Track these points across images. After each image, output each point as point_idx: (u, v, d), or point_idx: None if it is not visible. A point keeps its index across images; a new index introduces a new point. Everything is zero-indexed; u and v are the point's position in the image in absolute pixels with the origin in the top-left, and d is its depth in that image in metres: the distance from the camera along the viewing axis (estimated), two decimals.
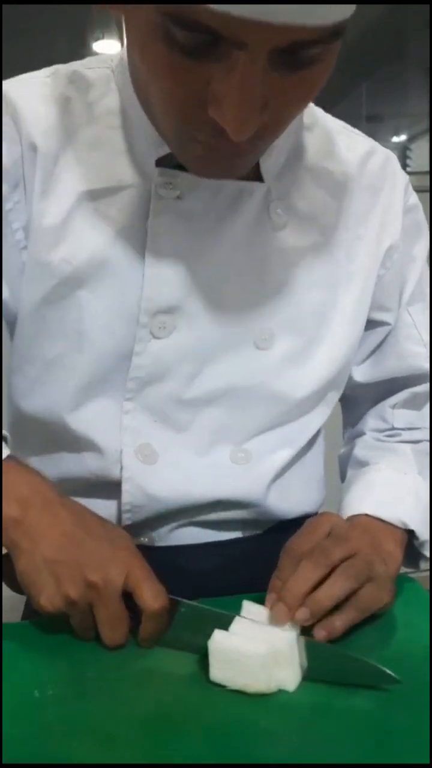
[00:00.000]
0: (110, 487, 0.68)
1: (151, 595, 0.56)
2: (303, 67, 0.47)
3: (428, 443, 0.78)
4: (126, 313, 0.64)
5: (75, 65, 0.65)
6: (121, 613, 0.56)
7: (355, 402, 0.83)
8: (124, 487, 0.67)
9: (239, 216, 0.64)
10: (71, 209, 0.62)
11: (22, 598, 0.71)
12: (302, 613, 0.54)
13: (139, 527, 0.70)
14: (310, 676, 0.53)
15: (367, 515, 0.67)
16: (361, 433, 0.82)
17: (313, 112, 0.71)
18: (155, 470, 0.67)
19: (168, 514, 0.69)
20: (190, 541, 0.71)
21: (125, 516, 0.68)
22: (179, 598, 0.58)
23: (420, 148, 2.39)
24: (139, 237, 0.62)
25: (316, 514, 0.76)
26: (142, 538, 0.70)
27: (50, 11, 1.95)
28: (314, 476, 0.79)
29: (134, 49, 0.51)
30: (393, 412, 0.79)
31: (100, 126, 0.63)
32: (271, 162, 0.64)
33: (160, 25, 0.45)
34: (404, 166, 2.45)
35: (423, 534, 0.68)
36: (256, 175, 0.64)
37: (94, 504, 0.64)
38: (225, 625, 0.54)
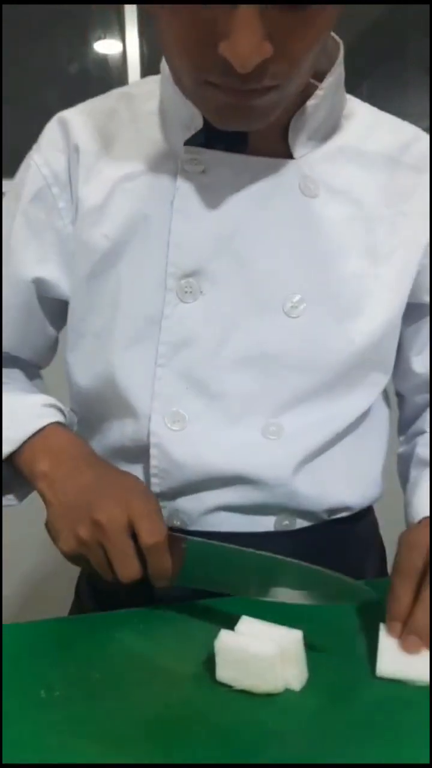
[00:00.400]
0: (143, 453, 0.71)
1: (146, 531, 0.59)
2: (299, 9, 0.51)
3: None
4: (156, 279, 0.67)
5: (126, 88, 0.75)
6: (129, 549, 0.59)
7: (414, 397, 0.82)
8: (152, 451, 0.69)
9: (266, 185, 0.66)
10: (109, 191, 0.69)
11: (22, 599, 0.72)
12: (413, 643, 0.56)
13: (168, 504, 0.71)
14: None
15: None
16: (422, 431, 0.80)
17: (354, 104, 0.72)
18: (182, 437, 0.68)
19: (194, 487, 0.70)
20: (221, 528, 0.71)
21: (153, 481, 0.70)
22: (182, 535, 0.61)
23: None
24: (168, 209, 0.67)
25: (359, 510, 0.76)
26: (174, 521, 0.72)
27: (50, 11, 1.95)
28: (359, 468, 0.77)
29: (153, 12, 0.56)
30: None
31: (140, 125, 0.70)
32: (300, 138, 0.66)
33: None
34: None
35: None
36: (287, 154, 0.67)
37: (128, 469, 0.70)
38: (232, 558, 0.59)
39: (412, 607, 0.57)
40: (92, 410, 0.76)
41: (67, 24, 2.09)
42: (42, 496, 0.65)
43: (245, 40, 0.50)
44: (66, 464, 0.66)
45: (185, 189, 0.66)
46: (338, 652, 0.57)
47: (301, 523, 0.73)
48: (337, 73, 0.66)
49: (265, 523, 0.72)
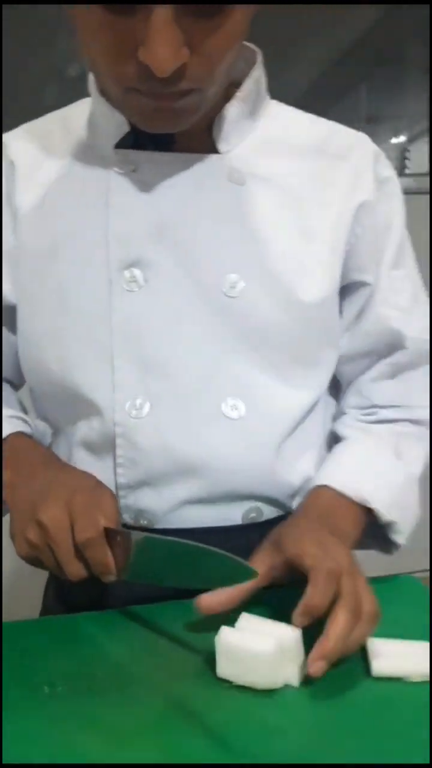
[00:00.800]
0: (111, 445, 0.72)
1: (79, 527, 0.59)
2: (212, 16, 0.55)
3: (410, 423, 0.79)
4: (99, 275, 0.70)
5: (63, 109, 0.79)
6: (71, 548, 0.59)
7: (341, 379, 0.83)
8: (117, 441, 0.71)
9: (195, 176, 0.69)
10: (45, 193, 0.73)
11: (18, 598, 0.73)
12: (320, 667, 0.53)
13: (135, 495, 0.72)
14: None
15: (328, 487, 0.70)
16: (342, 412, 0.83)
17: (278, 108, 0.76)
18: (146, 423, 0.70)
19: (160, 475, 0.71)
20: (188, 524, 0.72)
21: (119, 471, 0.71)
22: (126, 530, 0.60)
23: (419, 150, 2.39)
24: (104, 208, 0.70)
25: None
26: (141, 521, 0.72)
27: (51, 11, 1.95)
28: (315, 452, 0.78)
29: (76, 26, 0.60)
30: (372, 386, 0.80)
31: (72, 138, 0.74)
32: (223, 134, 0.70)
33: None
34: (403, 167, 2.47)
35: (387, 513, 0.70)
36: (213, 150, 0.70)
37: (98, 463, 0.73)
38: (183, 559, 0.58)
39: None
40: (56, 411, 0.78)
41: (67, 24, 2.10)
42: (7, 506, 0.67)
43: (162, 45, 0.54)
44: (24, 470, 0.68)
45: (118, 185, 0.69)
46: None
47: (268, 514, 0.74)
48: (255, 77, 0.71)
49: (233, 516, 0.73)
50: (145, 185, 0.69)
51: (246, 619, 0.56)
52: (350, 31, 2.35)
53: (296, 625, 0.55)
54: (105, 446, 0.72)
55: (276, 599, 0.61)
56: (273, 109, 0.76)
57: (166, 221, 0.69)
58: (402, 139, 2.46)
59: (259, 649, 0.52)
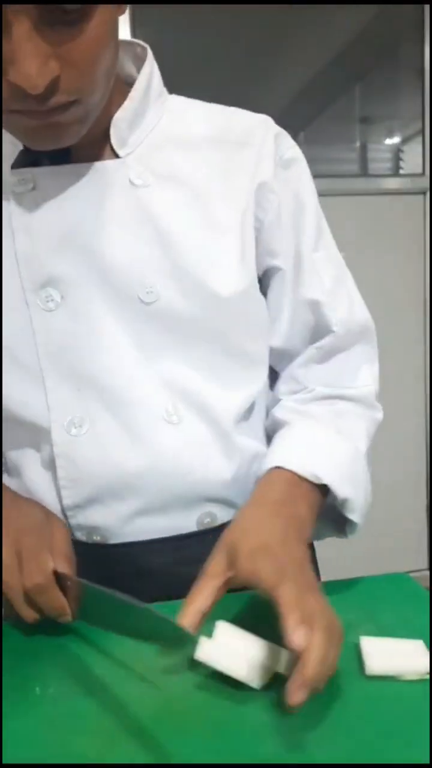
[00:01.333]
0: (53, 466, 0.71)
1: (27, 573, 0.59)
2: (74, 25, 0.54)
3: (342, 400, 0.78)
4: (15, 298, 0.69)
5: None
6: (20, 587, 0.60)
7: (275, 367, 0.83)
8: (58, 462, 0.70)
9: (96, 185, 0.68)
10: None
11: None
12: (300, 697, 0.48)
13: (84, 513, 0.71)
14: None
15: (279, 468, 0.67)
16: (277, 400, 0.81)
17: (176, 102, 0.76)
18: (86, 441, 0.69)
19: (108, 493, 0.70)
20: (142, 536, 0.71)
21: (63, 494, 0.70)
22: (68, 576, 0.59)
23: (412, 150, 2.40)
24: (10, 233, 0.68)
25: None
26: (94, 536, 0.72)
27: None
28: (257, 444, 0.78)
29: None
30: (303, 370, 0.79)
31: None
32: (121, 138, 0.69)
33: None
34: (397, 168, 2.47)
35: (340, 490, 0.68)
36: (113, 155, 0.70)
37: (42, 485, 0.72)
38: (113, 605, 0.54)
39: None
40: (6, 434, 0.76)
41: None
42: None
43: (27, 62, 0.53)
44: None
45: (20, 207, 0.68)
46: None
47: (223, 518, 0.74)
48: (146, 74, 0.70)
49: (187, 524, 0.73)
50: (46, 200, 0.68)
51: (222, 631, 0.55)
52: (344, 32, 2.35)
53: (293, 703, 0.47)
54: (47, 467, 0.72)
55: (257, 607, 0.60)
56: (172, 104, 0.75)
57: (72, 234, 0.68)
58: (396, 139, 2.46)
59: (232, 671, 0.52)
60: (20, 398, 0.70)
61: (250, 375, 0.76)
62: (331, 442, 0.72)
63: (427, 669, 0.54)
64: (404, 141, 2.43)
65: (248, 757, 0.46)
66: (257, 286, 0.76)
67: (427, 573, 2.42)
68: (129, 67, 0.73)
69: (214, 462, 0.72)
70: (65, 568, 0.61)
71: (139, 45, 0.72)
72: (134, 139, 0.71)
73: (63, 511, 0.71)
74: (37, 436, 0.71)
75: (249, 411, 0.77)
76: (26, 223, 0.68)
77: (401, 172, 2.44)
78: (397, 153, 2.48)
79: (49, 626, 0.62)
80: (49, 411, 0.69)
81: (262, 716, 0.50)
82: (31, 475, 0.73)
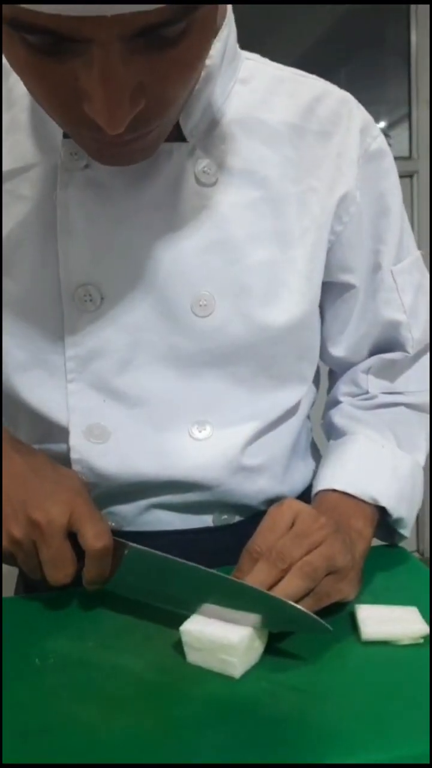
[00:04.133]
0: (67, 464, 0.67)
1: (93, 534, 0.56)
2: (169, 47, 0.45)
3: (407, 409, 0.75)
4: (49, 292, 0.62)
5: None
6: (65, 552, 0.57)
7: (334, 368, 0.81)
8: (74, 467, 0.66)
9: (157, 177, 0.61)
10: None
11: (7, 573, 0.72)
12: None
13: (101, 509, 0.68)
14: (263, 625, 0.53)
15: (335, 490, 0.65)
16: (337, 401, 0.78)
17: (252, 65, 0.66)
18: (106, 449, 0.65)
19: (125, 494, 0.68)
20: (157, 526, 0.69)
21: None
22: (124, 541, 0.58)
23: (399, 135, 2.41)
24: (51, 212, 0.61)
25: (298, 497, 0.75)
26: (109, 522, 0.69)
27: None
28: (294, 457, 0.75)
29: (4, 55, 0.49)
30: (366, 377, 0.75)
31: (15, 109, 0.63)
32: (193, 122, 0.61)
33: (13, 31, 0.43)
34: None
35: (396, 511, 0.66)
36: (179, 135, 0.61)
37: None
38: (170, 571, 0.55)
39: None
40: (16, 427, 0.72)
41: None
42: None
43: (110, 102, 0.44)
44: None
45: (69, 188, 0.60)
46: (324, 617, 0.58)
47: (240, 516, 0.72)
48: (223, 38, 0.60)
49: (204, 519, 0.71)
50: (99, 186, 0.60)
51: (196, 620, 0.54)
52: (328, 16, 2.35)
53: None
54: (65, 464, 0.67)
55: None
56: (246, 68, 0.65)
57: (124, 228, 0.61)
58: (382, 124, 2.47)
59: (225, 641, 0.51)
60: (39, 396, 0.66)
61: (287, 392, 0.71)
62: (389, 458, 0.69)
63: (421, 633, 0.55)
64: (391, 125, 2.44)
65: (248, 721, 0.46)
66: (317, 310, 0.70)
67: (428, 557, 2.45)
68: None
69: (237, 476, 0.68)
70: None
71: None
72: (206, 117, 0.61)
73: None
74: (50, 433, 0.67)
75: (280, 422, 0.72)
76: (74, 208, 0.60)
77: None
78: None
79: (45, 598, 0.63)
80: (68, 413, 0.65)
81: (261, 683, 0.51)
82: None
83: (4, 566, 0.64)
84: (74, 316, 0.63)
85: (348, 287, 0.71)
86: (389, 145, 0.71)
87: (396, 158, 0.72)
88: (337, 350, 0.75)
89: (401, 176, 0.72)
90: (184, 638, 0.53)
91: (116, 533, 0.67)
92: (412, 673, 0.51)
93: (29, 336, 0.64)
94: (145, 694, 0.50)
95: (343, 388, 0.78)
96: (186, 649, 0.53)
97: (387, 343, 0.75)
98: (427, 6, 2.29)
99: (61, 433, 0.67)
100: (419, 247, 0.76)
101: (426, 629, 0.55)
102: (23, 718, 0.48)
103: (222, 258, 0.63)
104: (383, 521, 0.68)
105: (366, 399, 0.76)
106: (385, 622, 0.56)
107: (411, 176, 2.36)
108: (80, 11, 0.40)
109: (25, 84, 0.49)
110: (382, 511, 0.67)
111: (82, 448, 0.66)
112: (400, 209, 0.71)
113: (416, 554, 0.70)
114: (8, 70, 0.62)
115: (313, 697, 0.49)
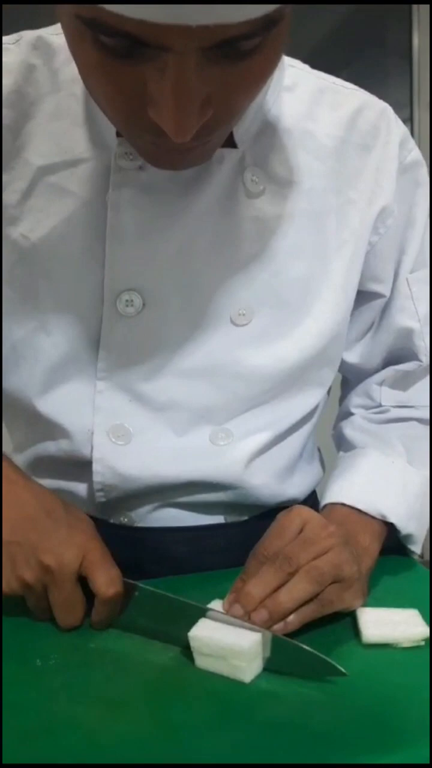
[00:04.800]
0: (83, 467, 0.68)
1: (105, 582, 0.56)
2: (243, 59, 0.45)
3: (419, 424, 0.75)
4: (91, 293, 0.62)
5: (41, 31, 0.62)
6: (76, 597, 0.57)
7: (348, 380, 0.81)
8: (95, 467, 0.66)
9: (208, 185, 0.61)
10: (30, 184, 0.61)
11: None
12: (260, 615, 0.53)
13: (114, 507, 0.70)
14: (268, 666, 0.52)
15: (344, 505, 0.65)
16: (349, 413, 0.79)
17: (295, 73, 0.66)
18: (128, 451, 0.66)
19: (143, 494, 0.68)
20: (170, 523, 0.70)
21: (98, 494, 0.68)
22: (135, 582, 0.58)
23: None
24: (100, 212, 0.60)
25: (303, 500, 0.76)
26: (121, 518, 0.70)
27: (50, 10, 1.94)
28: (302, 460, 0.76)
29: (70, 50, 0.48)
30: (380, 389, 0.76)
31: (62, 94, 0.61)
32: (244, 128, 0.61)
33: (87, 30, 0.43)
34: None
35: (405, 528, 0.67)
36: (229, 141, 0.60)
37: (68, 484, 0.68)
38: (180, 613, 0.54)
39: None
40: (13, 416, 0.72)
41: None
42: None
43: (180, 111, 0.43)
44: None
45: (122, 188, 0.59)
46: (325, 621, 0.58)
47: (250, 514, 0.73)
48: None
49: (216, 517, 0.72)
50: (153, 190, 0.59)
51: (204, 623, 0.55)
52: (330, 19, 2.35)
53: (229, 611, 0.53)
54: (75, 468, 0.68)
55: None
56: (290, 76, 0.65)
57: (175, 239, 0.61)
58: None
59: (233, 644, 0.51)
60: (60, 394, 0.65)
61: (307, 398, 0.72)
62: (399, 474, 0.69)
63: (422, 636, 0.55)
64: None
65: (249, 724, 0.46)
66: (348, 320, 0.71)
67: (428, 560, 2.44)
68: None
69: (254, 478, 0.69)
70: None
71: None
72: (255, 124, 0.62)
73: (87, 506, 0.69)
74: (68, 436, 0.67)
75: (297, 427, 0.73)
76: (125, 215, 0.60)
77: None
78: None
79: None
80: (93, 413, 0.65)
81: (262, 683, 0.51)
82: (48, 472, 0.70)
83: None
84: (113, 320, 0.62)
85: (376, 296, 0.73)
86: None
87: None
88: (351, 356, 0.76)
89: None
90: (193, 644, 0.52)
91: (128, 529, 0.69)
92: (413, 675, 0.51)
93: (66, 335, 0.64)
94: (146, 696, 0.50)
95: (356, 399, 0.79)
96: (195, 654, 0.53)
97: (401, 352, 0.75)
98: (429, 8, 2.29)
99: (73, 433, 0.66)
100: None
101: (427, 632, 0.55)
102: (24, 720, 0.48)
103: (262, 269, 0.64)
104: (393, 537, 0.68)
105: (378, 412, 0.77)
106: (386, 624, 0.56)
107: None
108: (168, 19, 0.39)
109: (89, 82, 0.49)
110: (390, 527, 0.67)
111: (104, 448, 0.66)
112: (425, 221, 0.72)
113: (417, 558, 0.70)
114: (53, 50, 0.61)
115: (315, 700, 0.49)
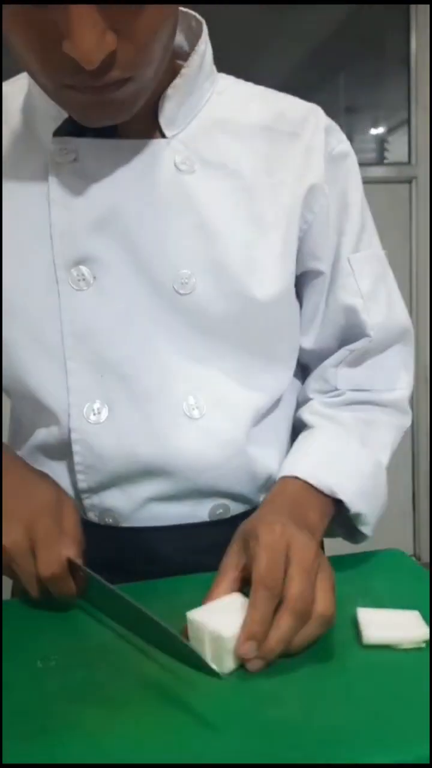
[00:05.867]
0: (68, 450, 0.70)
1: (43, 563, 0.60)
2: (136, 8, 0.52)
3: (374, 407, 0.77)
4: (44, 273, 0.67)
5: (4, 84, 0.73)
6: (32, 573, 0.61)
7: (306, 365, 0.82)
8: (74, 448, 0.69)
9: (141, 166, 0.66)
10: None
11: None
12: (256, 664, 0.52)
13: (98, 497, 0.71)
14: None
15: (297, 478, 0.67)
16: (307, 398, 0.80)
17: (226, 82, 0.73)
18: (103, 428, 0.68)
19: (122, 477, 0.69)
20: (155, 522, 0.71)
21: (79, 477, 0.70)
22: (82, 567, 0.61)
23: (398, 140, 2.41)
24: (44, 202, 0.66)
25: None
26: (106, 519, 0.71)
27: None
28: (281, 447, 0.77)
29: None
30: (335, 371, 0.77)
31: (11, 123, 0.70)
32: (169, 115, 0.67)
33: None
34: (381, 158, 2.49)
35: (354, 505, 0.68)
36: (159, 134, 0.67)
37: (57, 468, 0.72)
38: (120, 603, 0.57)
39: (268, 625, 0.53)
40: (19, 412, 0.77)
41: None
42: None
43: (85, 36, 0.51)
44: None
45: (59, 178, 0.66)
46: None
47: (235, 510, 0.74)
48: (200, 51, 0.67)
49: (200, 513, 0.72)
50: (87, 175, 0.65)
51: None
52: (328, 21, 2.36)
53: (242, 655, 0.52)
54: (63, 451, 0.71)
55: None
56: (221, 84, 0.72)
57: (112, 213, 0.66)
58: (381, 129, 2.48)
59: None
60: (39, 379, 0.69)
61: (274, 375, 0.75)
62: (352, 454, 0.71)
63: (422, 637, 0.55)
64: (389, 131, 2.45)
65: (250, 724, 0.47)
66: (293, 290, 0.74)
67: (428, 561, 2.45)
68: (179, 38, 0.70)
69: (232, 460, 0.71)
70: (76, 554, 0.61)
71: (194, 18, 0.69)
72: (182, 118, 0.68)
73: (77, 493, 0.71)
74: (53, 418, 0.70)
75: (271, 410, 0.75)
76: (64, 195, 0.66)
77: (386, 162, 2.45)
78: (381, 143, 2.49)
79: (49, 602, 0.63)
80: (68, 395, 0.68)
81: (264, 684, 0.51)
82: (39, 457, 0.73)
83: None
84: (69, 295, 0.67)
85: (317, 274, 0.76)
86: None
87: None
88: (307, 342, 0.78)
89: (401, 182, 0.75)
90: (188, 625, 0.54)
91: (114, 529, 0.70)
92: (412, 676, 0.52)
93: (29, 318, 0.68)
94: (147, 696, 0.50)
95: (312, 384, 0.80)
96: (189, 635, 0.54)
97: (351, 331, 0.77)
98: (427, 12, 2.30)
99: (59, 416, 0.69)
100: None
101: (426, 633, 0.55)
102: (25, 721, 0.48)
103: (201, 240, 0.67)
104: (344, 517, 0.70)
105: (335, 396, 0.78)
106: (386, 626, 0.56)
107: (410, 182, 2.36)
108: None
109: (16, 42, 0.55)
110: (340, 506, 0.68)
111: (82, 428, 0.68)
112: (361, 205, 0.76)
113: (412, 558, 0.71)
114: (6, 96, 0.71)
115: (315, 700, 0.49)
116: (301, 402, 0.81)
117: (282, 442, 0.78)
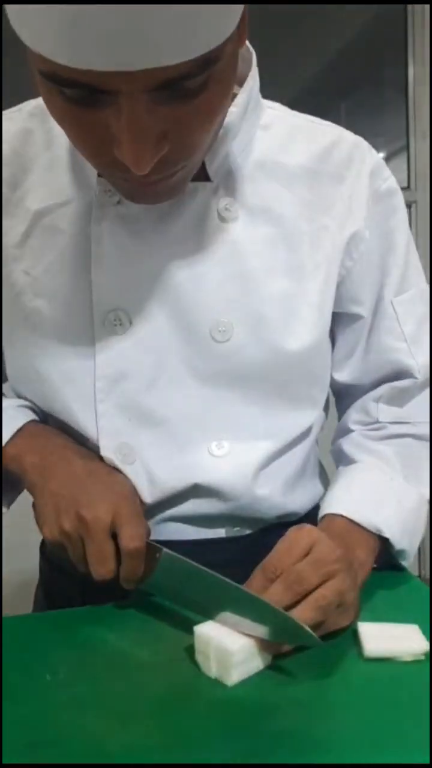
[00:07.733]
0: None
1: (129, 536, 0.61)
2: (191, 97, 0.50)
3: (414, 440, 0.76)
4: (82, 314, 0.67)
5: (40, 99, 0.68)
6: (107, 550, 0.61)
7: (342, 399, 0.83)
8: None
9: (182, 213, 0.66)
10: (29, 227, 0.69)
11: (20, 594, 0.74)
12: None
13: None
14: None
15: (342, 516, 0.67)
16: (347, 429, 0.81)
17: (273, 113, 0.72)
18: (134, 470, 0.69)
19: (150, 509, 0.70)
20: (171, 536, 0.72)
21: None
22: (159, 546, 0.62)
23: (398, 166, 2.45)
24: (86, 244, 0.67)
25: (304, 515, 0.77)
26: None
27: None
28: (305, 476, 0.78)
29: (45, 104, 0.55)
30: (377, 406, 0.78)
31: (54, 148, 0.69)
32: (216, 162, 0.66)
33: (50, 83, 0.49)
34: None
35: (398, 543, 0.69)
36: (203, 176, 0.66)
37: None
38: (196, 577, 0.59)
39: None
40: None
41: None
42: (32, 486, 0.67)
43: (136, 146, 0.49)
44: (55, 453, 0.68)
45: (102, 220, 0.66)
46: (328, 635, 0.59)
47: (252, 528, 0.74)
48: (248, 89, 0.66)
49: (217, 531, 0.73)
50: (130, 221, 0.65)
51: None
52: (328, 51, 2.41)
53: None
54: None
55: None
56: (267, 117, 0.71)
57: (153, 259, 0.66)
58: (381, 155, 2.51)
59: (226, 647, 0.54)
60: (69, 415, 0.70)
61: (302, 413, 0.75)
62: (397, 491, 0.72)
63: (422, 650, 0.56)
64: (389, 157, 2.48)
65: (252, 734, 0.47)
66: (328, 338, 0.74)
67: (428, 576, 2.44)
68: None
69: (254, 492, 0.71)
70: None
71: (246, 49, 0.66)
72: (229, 159, 0.67)
73: None
74: (86, 441, 0.71)
75: (295, 443, 0.75)
76: (107, 243, 0.66)
77: None
78: None
79: (54, 616, 0.64)
80: (98, 435, 0.69)
81: (266, 696, 0.52)
82: None
83: (6, 586, 0.65)
84: (104, 338, 0.67)
85: (356, 318, 0.76)
86: None
87: None
88: (342, 375, 0.78)
89: None
90: (195, 640, 0.55)
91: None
92: (413, 689, 0.52)
93: (63, 357, 0.69)
94: (154, 708, 0.51)
95: (354, 416, 0.80)
96: (196, 648, 0.55)
97: (393, 371, 0.77)
98: (425, 41, 2.35)
99: (93, 448, 0.70)
100: None
101: (426, 646, 0.56)
102: (33, 732, 0.49)
103: (240, 288, 0.67)
104: (385, 551, 0.70)
105: (376, 429, 0.78)
106: (386, 639, 0.58)
107: (409, 206, 2.40)
108: (110, 66, 0.46)
109: (63, 129, 0.55)
110: (383, 541, 0.69)
111: (111, 464, 0.69)
112: (406, 245, 0.76)
113: (412, 574, 0.71)
114: (48, 113, 0.67)
115: (317, 712, 0.50)
116: (342, 432, 0.82)
117: (307, 472, 0.78)
